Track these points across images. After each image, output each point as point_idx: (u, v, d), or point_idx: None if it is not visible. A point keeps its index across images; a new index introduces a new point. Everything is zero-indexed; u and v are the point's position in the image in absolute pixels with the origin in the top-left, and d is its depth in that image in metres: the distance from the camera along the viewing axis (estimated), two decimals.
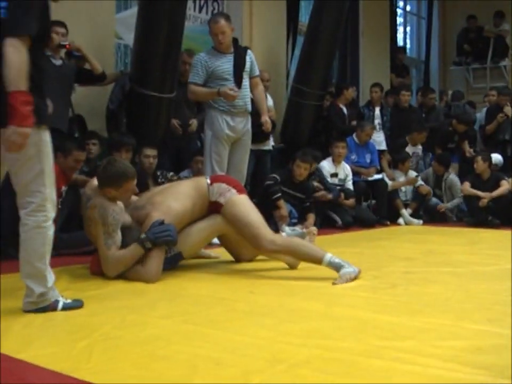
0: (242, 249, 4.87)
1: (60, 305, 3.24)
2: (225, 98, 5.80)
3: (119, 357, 2.49)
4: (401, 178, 8.99)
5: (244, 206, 4.50)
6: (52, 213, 3.16)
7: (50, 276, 3.20)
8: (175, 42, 6.59)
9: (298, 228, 7.06)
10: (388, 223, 8.52)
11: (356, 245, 6.24)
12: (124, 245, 4.14)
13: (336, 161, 8.26)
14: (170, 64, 6.57)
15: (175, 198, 4.44)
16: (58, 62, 6.01)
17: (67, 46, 5.99)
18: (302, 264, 4.52)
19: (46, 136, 3.11)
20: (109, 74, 6.83)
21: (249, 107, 6.09)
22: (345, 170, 8.37)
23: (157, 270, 4.13)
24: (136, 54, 6.70)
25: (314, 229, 5.30)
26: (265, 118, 6.20)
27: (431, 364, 2.33)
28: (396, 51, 12.74)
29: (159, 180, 6.08)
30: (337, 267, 4.13)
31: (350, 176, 8.46)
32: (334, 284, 4.01)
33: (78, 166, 5.46)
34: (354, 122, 9.29)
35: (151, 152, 6.13)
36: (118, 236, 4.13)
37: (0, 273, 3.94)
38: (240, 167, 6.13)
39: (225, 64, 5.89)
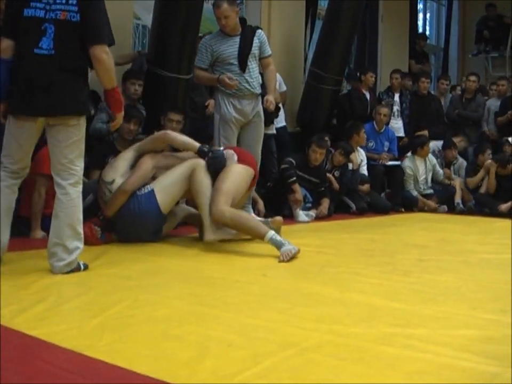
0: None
1: (82, 264, 3.74)
2: (223, 86, 5.76)
3: (131, 336, 2.51)
4: (421, 165, 8.92)
5: (228, 173, 4.84)
6: None
7: None
8: (193, 23, 6.55)
9: (312, 212, 7.10)
10: (402, 210, 8.52)
11: (370, 231, 6.24)
12: None
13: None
14: (188, 46, 6.54)
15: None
16: None
17: None
18: (314, 248, 4.54)
19: (85, 123, 3.81)
20: (127, 55, 6.92)
21: (258, 90, 5.97)
22: (359, 155, 8.34)
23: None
24: (154, 34, 6.68)
25: (279, 218, 5.25)
26: (268, 97, 5.89)
27: (442, 352, 2.33)
28: (417, 37, 12.62)
29: None
30: (278, 245, 4.38)
31: (364, 162, 8.44)
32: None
33: None
34: None
35: (174, 116, 6.06)
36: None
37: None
38: (254, 149, 5.95)
39: (230, 48, 5.78)
